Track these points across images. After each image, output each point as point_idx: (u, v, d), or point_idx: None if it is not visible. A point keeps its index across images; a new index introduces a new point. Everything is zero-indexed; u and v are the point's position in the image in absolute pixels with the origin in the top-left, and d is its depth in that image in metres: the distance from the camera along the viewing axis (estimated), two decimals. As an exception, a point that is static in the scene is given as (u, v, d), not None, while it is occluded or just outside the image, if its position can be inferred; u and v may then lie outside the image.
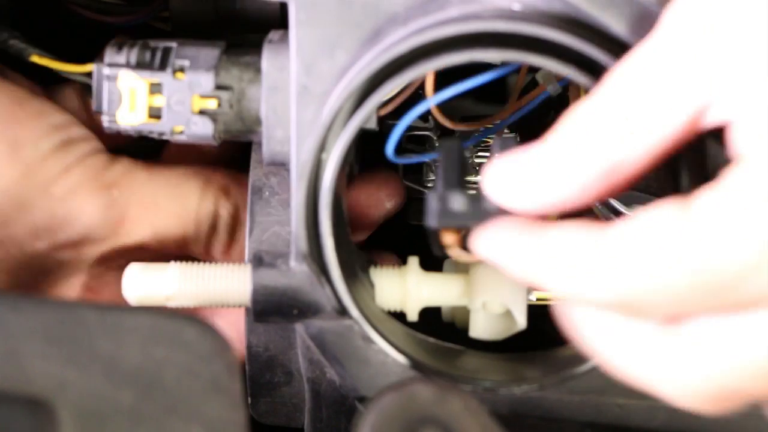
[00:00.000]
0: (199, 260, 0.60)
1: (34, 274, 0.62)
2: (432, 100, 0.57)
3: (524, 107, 0.62)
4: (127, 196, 0.61)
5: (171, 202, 0.62)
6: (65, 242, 0.61)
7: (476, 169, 0.69)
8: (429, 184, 0.69)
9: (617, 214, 0.65)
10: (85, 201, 0.60)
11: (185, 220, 0.62)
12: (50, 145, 0.60)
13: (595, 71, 0.51)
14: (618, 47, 0.51)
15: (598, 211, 0.65)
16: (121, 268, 0.59)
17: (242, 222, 0.63)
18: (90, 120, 0.63)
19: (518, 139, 0.69)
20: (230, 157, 0.68)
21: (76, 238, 0.61)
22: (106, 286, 0.64)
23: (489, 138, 0.69)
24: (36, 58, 0.61)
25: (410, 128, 0.65)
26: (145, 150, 0.66)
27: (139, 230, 0.61)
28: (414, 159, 0.65)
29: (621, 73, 0.45)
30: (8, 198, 0.60)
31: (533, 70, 0.66)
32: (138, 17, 0.65)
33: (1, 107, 0.60)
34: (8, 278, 0.61)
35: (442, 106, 0.61)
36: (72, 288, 0.63)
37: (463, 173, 0.50)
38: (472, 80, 0.55)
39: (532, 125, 0.67)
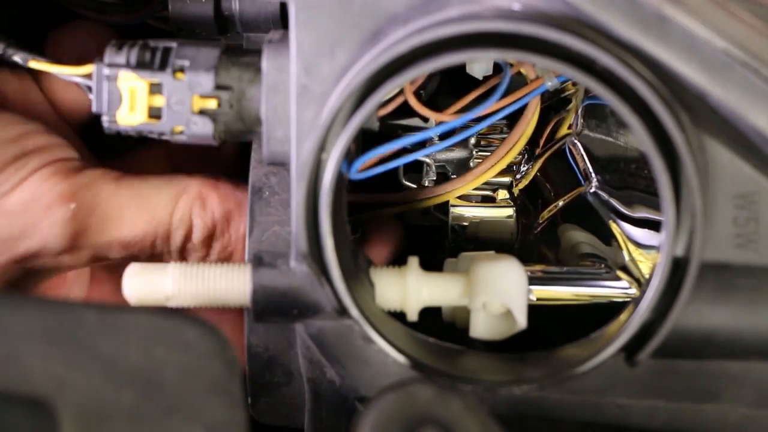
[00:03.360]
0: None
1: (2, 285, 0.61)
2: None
3: (520, 99, 0.62)
4: (88, 207, 0.61)
5: (138, 214, 0.61)
6: (24, 254, 0.61)
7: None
8: (428, 185, 0.69)
9: (618, 214, 0.65)
10: (41, 215, 0.60)
11: (154, 230, 0.62)
12: (1, 161, 0.60)
13: (595, 71, 0.51)
14: (618, 47, 0.51)
15: (600, 211, 0.65)
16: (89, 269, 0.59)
17: (221, 232, 0.63)
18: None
19: (525, 148, 0.69)
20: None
21: (35, 249, 0.61)
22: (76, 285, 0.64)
23: (492, 137, 0.69)
24: (34, 63, 0.61)
25: (410, 128, 0.65)
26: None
27: (100, 240, 0.61)
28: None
29: None
30: None
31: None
32: (137, 17, 0.65)
33: None
34: None
35: (438, 105, 0.61)
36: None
37: None
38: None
39: (535, 132, 0.67)
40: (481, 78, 0.65)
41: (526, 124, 0.64)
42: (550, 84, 0.61)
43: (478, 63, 0.63)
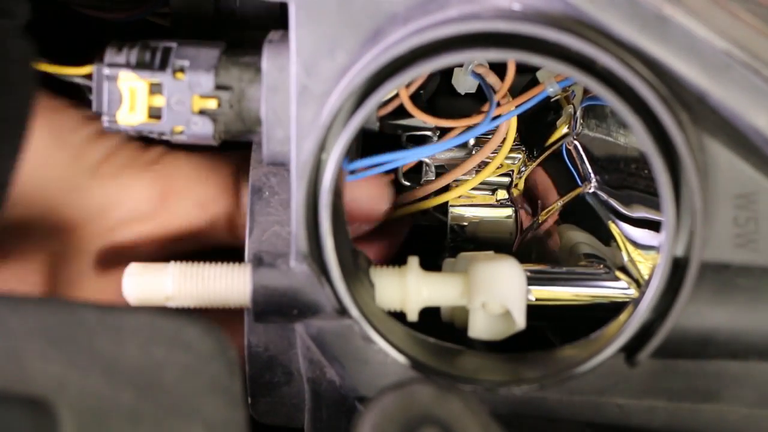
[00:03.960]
0: (233, 243, 0.62)
1: (88, 262, 0.62)
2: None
3: (522, 105, 0.62)
4: (169, 171, 0.62)
5: (212, 177, 0.63)
6: (116, 222, 0.61)
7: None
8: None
9: (617, 215, 0.65)
10: (132, 179, 0.61)
11: (225, 195, 0.63)
12: (90, 131, 0.61)
13: (595, 71, 0.51)
14: (618, 47, 0.51)
15: (600, 211, 0.65)
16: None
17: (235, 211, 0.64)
18: None
19: (524, 148, 0.70)
20: None
21: (126, 216, 0.62)
22: None
23: (491, 138, 0.69)
24: None
25: (410, 128, 0.65)
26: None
27: (183, 203, 0.62)
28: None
29: None
30: (61, 183, 0.61)
31: (532, 69, 0.66)
32: (137, 14, 0.65)
33: (41, 99, 0.60)
34: (65, 270, 0.62)
35: (438, 105, 0.61)
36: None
37: None
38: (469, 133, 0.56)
39: (533, 126, 0.67)
40: (463, 94, 0.65)
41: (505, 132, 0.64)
42: (552, 90, 0.62)
43: (463, 78, 0.64)
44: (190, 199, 0.63)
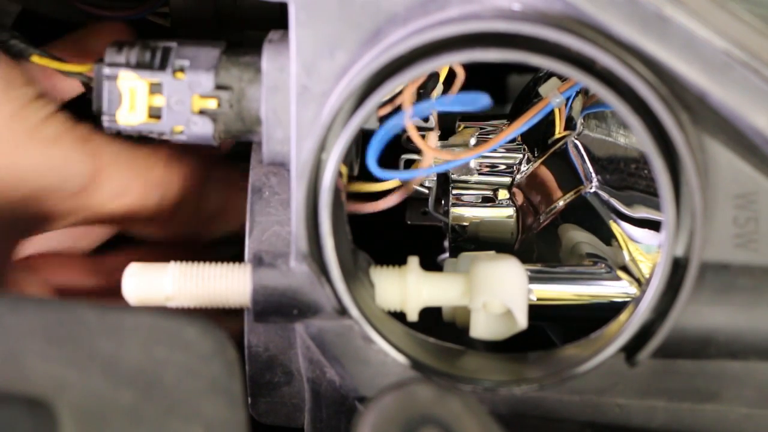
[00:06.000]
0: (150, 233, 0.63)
1: (14, 226, 0.61)
2: (409, 113, 0.57)
3: (529, 121, 0.62)
4: (101, 151, 0.61)
5: (136, 168, 0.62)
6: (43, 190, 0.60)
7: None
8: (428, 184, 0.69)
9: (618, 214, 0.65)
10: (68, 150, 0.60)
11: (149, 186, 0.63)
12: (34, 92, 0.60)
13: (595, 71, 0.51)
14: (618, 47, 0.51)
15: (601, 211, 0.65)
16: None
17: (179, 204, 0.64)
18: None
19: (525, 148, 0.70)
20: None
21: (54, 186, 0.60)
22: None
23: (492, 138, 0.69)
24: (36, 58, 0.60)
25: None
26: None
27: (110, 185, 0.62)
28: (399, 175, 0.65)
29: None
30: (2, 137, 0.59)
31: (532, 70, 0.66)
32: (137, 12, 0.65)
33: None
34: None
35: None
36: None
37: None
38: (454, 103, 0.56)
39: (533, 125, 0.67)
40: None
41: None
42: (557, 102, 0.62)
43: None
44: (116, 183, 0.62)
